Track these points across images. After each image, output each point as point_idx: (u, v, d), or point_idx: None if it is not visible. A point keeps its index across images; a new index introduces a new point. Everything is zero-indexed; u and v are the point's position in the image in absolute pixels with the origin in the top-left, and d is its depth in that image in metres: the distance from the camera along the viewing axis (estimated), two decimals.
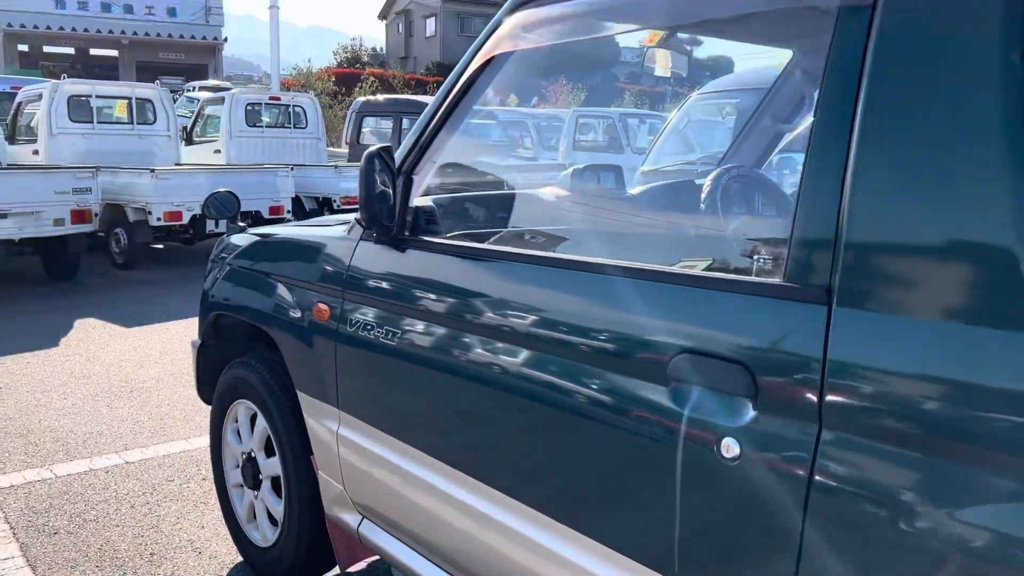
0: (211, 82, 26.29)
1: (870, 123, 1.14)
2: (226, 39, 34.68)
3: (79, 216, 7.54)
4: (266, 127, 11.54)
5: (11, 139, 10.06)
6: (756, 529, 1.23)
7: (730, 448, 1.25)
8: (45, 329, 6.09)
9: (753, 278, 1.34)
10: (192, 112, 13.39)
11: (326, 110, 20.79)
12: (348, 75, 28.58)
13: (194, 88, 23.06)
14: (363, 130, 12.83)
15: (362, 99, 14.52)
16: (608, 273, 1.52)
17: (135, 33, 32.79)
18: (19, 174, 7.63)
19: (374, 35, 47.58)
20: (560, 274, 1.64)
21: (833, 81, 1.20)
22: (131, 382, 4.83)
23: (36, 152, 9.61)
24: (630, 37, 2.19)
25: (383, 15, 43.82)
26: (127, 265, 8.80)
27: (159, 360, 5.29)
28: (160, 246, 10.06)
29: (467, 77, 1.92)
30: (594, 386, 1.48)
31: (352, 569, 2.79)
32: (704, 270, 1.51)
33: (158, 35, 33.16)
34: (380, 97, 16.25)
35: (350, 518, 2.25)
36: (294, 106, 11.81)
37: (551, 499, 1.59)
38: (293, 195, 9.50)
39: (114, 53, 33.96)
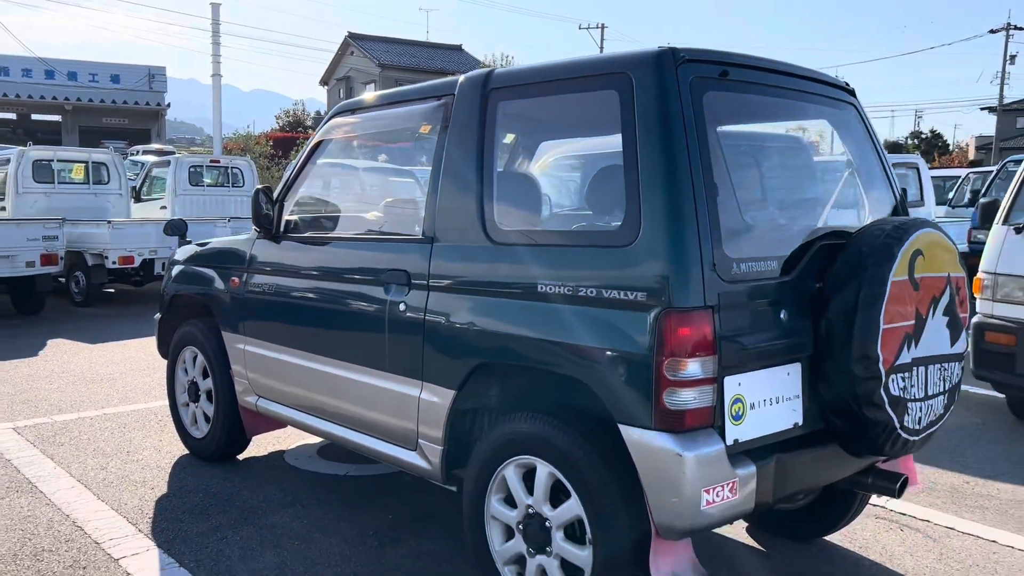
0: (154, 146, 27.44)
1: (446, 170, 2.92)
2: (169, 104, 36.04)
3: (47, 259, 9.04)
4: (207, 186, 13.17)
5: None
6: (413, 337, 2.95)
7: (402, 307, 2.99)
8: (23, 346, 7.56)
9: (413, 236, 3.10)
10: (136, 175, 14.93)
11: (264, 172, 22.45)
12: (287, 138, 30.40)
13: (138, 152, 24.40)
14: None
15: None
16: (365, 240, 3.28)
17: (79, 99, 33.66)
18: None
19: (318, 98, 49.26)
20: (347, 244, 3.38)
21: (437, 153, 2.98)
22: (101, 374, 6.36)
23: (3, 208, 11.05)
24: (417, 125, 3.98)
25: (324, 81, 45.72)
26: (85, 303, 10.26)
27: (121, 362, 6.83)
28: (112, 290, 11.51)
29: (308, 150, 3.67)
30: (357, 292, 3.21)
31: (257, 454, 4.41)
32: (398, 235, 3.28)
33: (102, 101, 34.09)
34: None
35: (252, 399, 3.90)
36: (232, 168, 13.50)
37: (345, 351, 3.28)
38: None
39: (57, 118, 34.80)
